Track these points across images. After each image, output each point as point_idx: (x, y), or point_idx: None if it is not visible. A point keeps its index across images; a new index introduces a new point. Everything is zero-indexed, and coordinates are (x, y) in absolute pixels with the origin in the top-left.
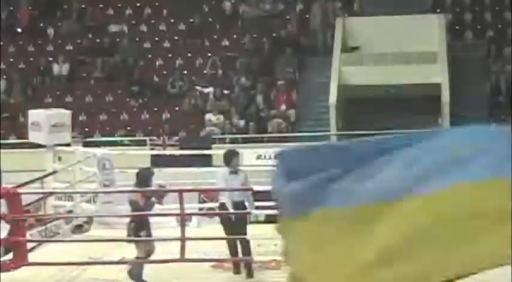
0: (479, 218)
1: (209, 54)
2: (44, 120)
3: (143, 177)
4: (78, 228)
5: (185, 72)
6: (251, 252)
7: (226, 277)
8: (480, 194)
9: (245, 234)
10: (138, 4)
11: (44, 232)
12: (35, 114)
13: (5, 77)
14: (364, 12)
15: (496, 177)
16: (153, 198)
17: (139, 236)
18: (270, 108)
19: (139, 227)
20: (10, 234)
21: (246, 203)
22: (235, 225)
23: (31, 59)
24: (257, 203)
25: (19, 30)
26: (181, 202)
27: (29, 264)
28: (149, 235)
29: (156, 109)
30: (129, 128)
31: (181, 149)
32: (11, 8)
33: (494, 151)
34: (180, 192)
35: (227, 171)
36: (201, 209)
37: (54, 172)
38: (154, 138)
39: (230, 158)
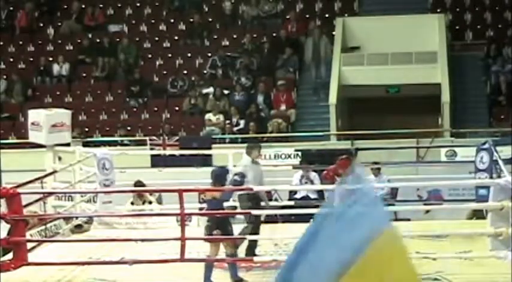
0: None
1: (209, 54)
2: (44, 120)
3: (218, 176)
4: (78, 228)
5: (185, 72)
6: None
7: (226, 277)
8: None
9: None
10: (138, 4)
11: (44, 232)
12: (35, 114)
13: (5, 77)
14: (364, 12)
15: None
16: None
17: (211, 235)
18: (270, 108)
19: (213, 226)
20: (10, 234)
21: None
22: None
23: (31, 59)
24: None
25: (19, 30)
26: (181, 202)
27: (29, 264)
28: (226, 234)
29: (156, 109)
30: (129, 128)
31: (181, 149)
32: (11, 8)
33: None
34: (180, 192)
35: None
36: (201, 209)
37: (54, 172)
38: (154, 138)
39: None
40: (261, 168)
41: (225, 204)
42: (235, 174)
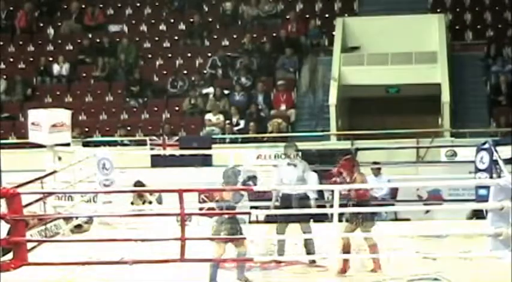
0: None
1: (209, 54)
2: (44, 120)
3: (230, 177)
4: (78, 228)
5: (185, 72)
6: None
7: (226, 277)
8: None
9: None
10: (138, 4)
11: (44, 232)
12: (35, 114)
13: (5, 77)
14: (364, 12)
15: None
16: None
17: (219, 236)
18: (270, 108)
19: (221, 227)
20: (10, 234)
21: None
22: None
23: (31, 59)
24: (257, 203)
25: (19, 30)
26: (181, 202)
27: (29, 264)
28: (235, 234)
29: (156, 109)
30: (129, 128)
31: (181, 149)
32: (11, 8)
33: None
34: (180, 192)
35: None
36: (201, 209)
37: (54, 172)
38: (154, 138)
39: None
40: (300, 168)
41: (225, 204)
42: (249, 178)
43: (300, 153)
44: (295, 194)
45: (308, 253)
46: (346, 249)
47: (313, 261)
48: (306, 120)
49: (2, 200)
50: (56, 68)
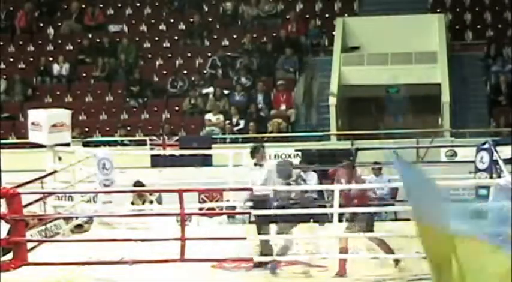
0: None
1: (209, 54)
2: (44, 120)
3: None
4: (78, 228)
5: (185, 72)
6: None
7: (226, 277)
8: None
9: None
10: (138, 4)
11: (44, 232)
12: (35, 114)
13: (5, 77)
14: (364, 12)
15: None
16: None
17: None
18: (270, 108)
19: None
20: (10, 234)
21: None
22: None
23: (31, 59)
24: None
25: (19, 30)
26: (181, 202)
27: (29, 264)
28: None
29: (156, 109)
30: (129, 128)
31: (181, 149)
32: (11, 8)
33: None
34: (180, 192)
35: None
36: (201, 209)
37: (54, 172)
38: (154, 138)
39: (253, 152)
40: (264, 170)
41: (225, 204)
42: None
43: (267, 155)
44: (258, 195)
45: (262, 254)
46: (344, 253)
47: (261, 264)
48: (306, 120)
49: (2, 200)
50: (56, 68)
